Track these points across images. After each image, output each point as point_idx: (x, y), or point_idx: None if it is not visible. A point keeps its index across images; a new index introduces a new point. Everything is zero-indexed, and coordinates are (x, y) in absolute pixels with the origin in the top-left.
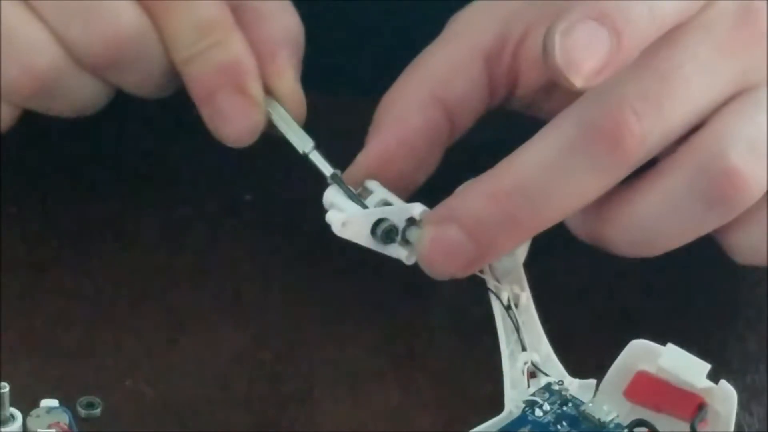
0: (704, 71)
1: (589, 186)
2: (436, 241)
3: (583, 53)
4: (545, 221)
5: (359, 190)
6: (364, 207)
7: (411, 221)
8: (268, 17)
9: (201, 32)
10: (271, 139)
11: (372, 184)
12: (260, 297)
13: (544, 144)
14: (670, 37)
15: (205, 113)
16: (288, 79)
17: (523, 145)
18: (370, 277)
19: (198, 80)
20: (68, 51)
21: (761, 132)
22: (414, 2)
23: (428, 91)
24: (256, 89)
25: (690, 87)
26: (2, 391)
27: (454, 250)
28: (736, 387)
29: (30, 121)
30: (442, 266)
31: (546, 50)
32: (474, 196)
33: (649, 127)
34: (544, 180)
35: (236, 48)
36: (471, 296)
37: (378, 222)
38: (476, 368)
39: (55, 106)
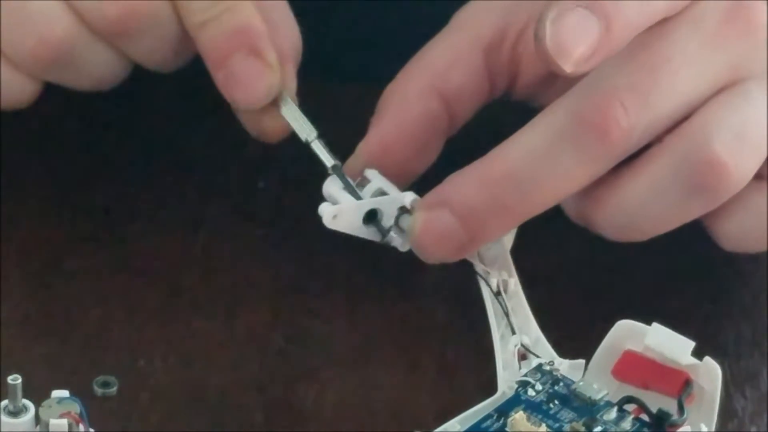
0: (693, 64)
1: (577, 175)
2: (428, 225)
3: (573, 39)
4: (533, 207)
5: (359, 179)
6: (359, 198)
7: (403, 210)
8: (275, 29)
9: None
10: None
11: (371, 173)
12: (271, 281)
13: (534, 133)
14: (659, 30)
15: (219, 77)
16: (290, 91)
17: (515, 134)
18: (379, 263)
19: (212, 44)
20: (82, 18)
21: (747, 123)
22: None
23: (427, 82)
24: (270, 52)
25: (678, 80)
26: (15, 382)
27: (445, 235)
28: (731, 371)
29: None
30: (434, 250)
31: (537, 36)
32: (465, 181)
33: (635, 119)
34: (532, 168)
35: (250, 12)
36: (473, 282)
37: (370, 212)
38: (477, 351)
39: (72, 77)
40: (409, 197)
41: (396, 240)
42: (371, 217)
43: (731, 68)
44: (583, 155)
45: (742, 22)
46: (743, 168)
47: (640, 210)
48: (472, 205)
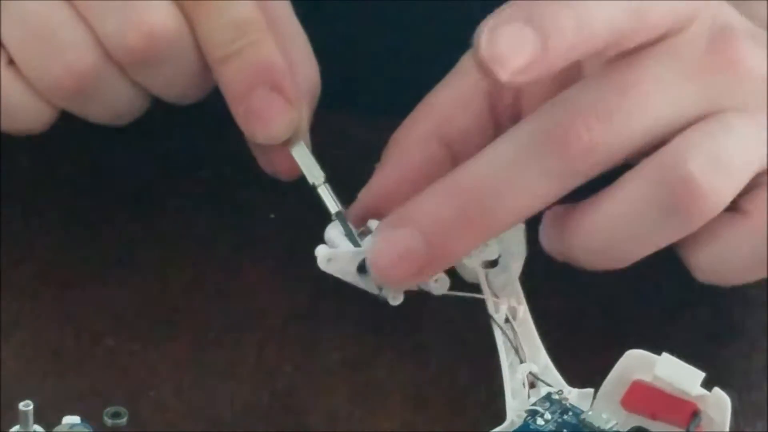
0: (667, 91)
1: (539, 190)
2: (388, 243)
3: (509, 49)
4: (497, 223)
5: (362, 228)
6: (358, 246)
7: None
8: (292, 66)
9: (238, 31)
10: None
11: (374, 224)
12: (282, 311)
13: (498, 148)
14: (633, 57)
15: (240, 112)
16: (303, 130)
17: (480, 151)
18: None
19: (234, 78)
20: (104, 47)
21: (723, 149)
22: (434, 25)
23: (430, 128)
24: (291, 88)
25: (648, 103)
26: (26, 409)
27: (407, 253)
28: (740, 404)
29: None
30: (394, 270)
31: (474, 45)
32: (429, 197)
33: (598, 135)
34: (495, 181)
35: (272, 47)
36: (481, 310)
37: (365, 261)
38: (486, 379)
39: (92, 108)
40: None
41: (387, 291)
42: (366, 266)
43: (710, 99)
44: (545, 170)
45: (723, 56)
46: (718, 191)
47: (615, 233)
48: (436, 219)
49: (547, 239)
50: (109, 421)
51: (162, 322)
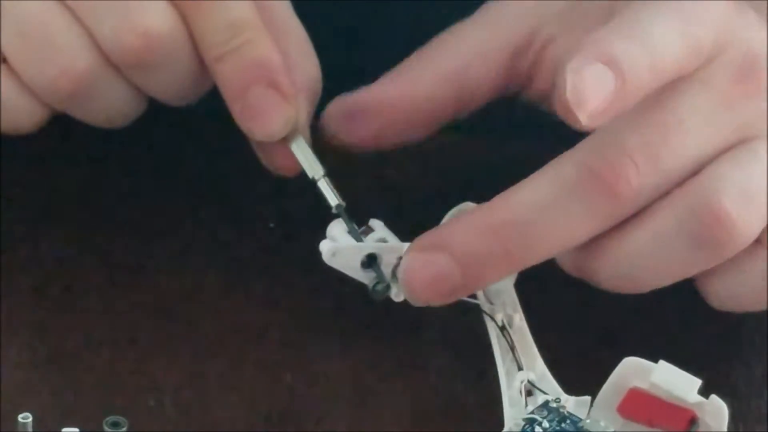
0: (703, 124)
1: (582, 227)
2: (423, 267)
3: (590, 92)
4: (536, 257)
5: (363, 228)
6: (360, 241)
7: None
8: (291, 62)
9: (234, 30)
10: None
11: (375, 223)
12: (281, 320)
13: (542, 183)
14: (671, 91)
15: (237, 109)
16: (303, 124)
17: (522, 182)
18: (388, 302)
19: (231, 77)
20: (101, 50)
21: (754, 180)
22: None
23: (448, 69)
24: (287, 85)
25: (688, 139)
26: (25, 421)
27: (440, 278)
28: (741, 411)
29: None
30: (426, 292)
31: (557, 86)
32: (468, 227)
33: (645, 176)
34: (538, 218)
35: (268, 45)
36: (479, 320)
37: (370, 257)
38: (484, 389)
39: (87, 111)
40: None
41: (391, 289)
42: (370, 261)
43: (739, 128)
44: (591, 210)
45: (751, 83)
46: (750, 223)
47: (642, 261)
48: (474, 251)
49: (567, 260)
50: (108, 431)
51: (162, 331)
